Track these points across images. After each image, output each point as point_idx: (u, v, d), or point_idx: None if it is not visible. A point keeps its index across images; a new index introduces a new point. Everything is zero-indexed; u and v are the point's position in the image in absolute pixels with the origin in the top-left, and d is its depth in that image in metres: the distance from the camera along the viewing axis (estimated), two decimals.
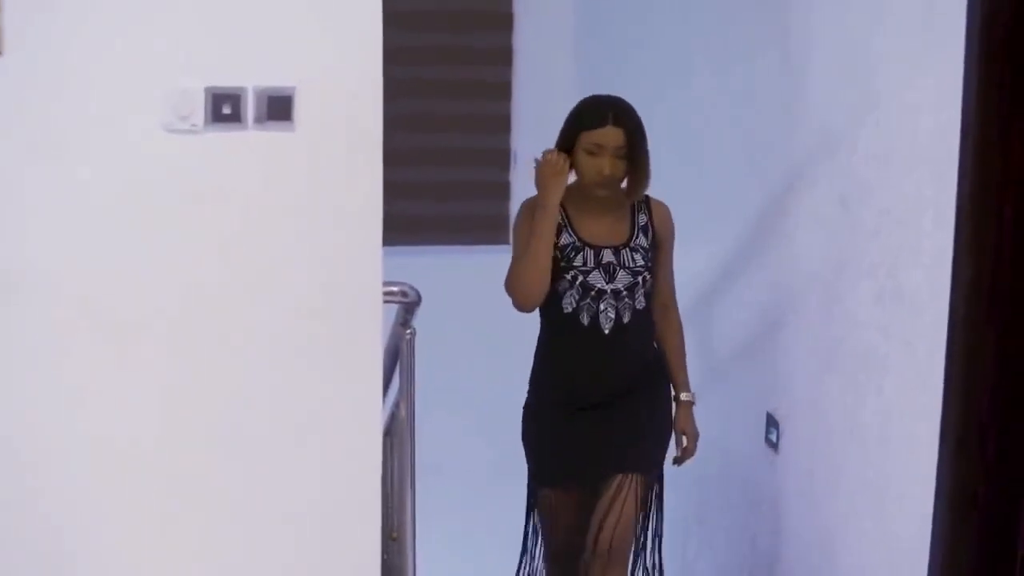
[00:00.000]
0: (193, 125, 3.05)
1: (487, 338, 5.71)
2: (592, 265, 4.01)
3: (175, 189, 3.08)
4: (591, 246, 4.02)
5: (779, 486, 4.42)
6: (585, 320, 4.01)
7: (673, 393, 4.22)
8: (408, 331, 3.59)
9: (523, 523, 4.32)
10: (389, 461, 3.57)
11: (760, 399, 4.56)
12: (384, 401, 3.36)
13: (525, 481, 4.29)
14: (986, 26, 3.10)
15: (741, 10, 4.78)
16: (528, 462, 4.22)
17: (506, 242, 5.94)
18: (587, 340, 4.03)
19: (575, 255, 4.01)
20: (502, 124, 6.17)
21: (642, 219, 4.10)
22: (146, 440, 3.15)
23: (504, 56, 6.13)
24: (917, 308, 3.49)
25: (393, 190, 3.44)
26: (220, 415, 3.17)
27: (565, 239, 4.02)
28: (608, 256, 4.02)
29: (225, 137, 3.08)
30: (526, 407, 4.23)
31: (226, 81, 3.06)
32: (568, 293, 4.01)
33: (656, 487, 4.19)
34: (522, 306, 4.05)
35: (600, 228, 4.05)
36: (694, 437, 4.22)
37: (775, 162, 4.44)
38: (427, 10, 5.98)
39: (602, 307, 4.00)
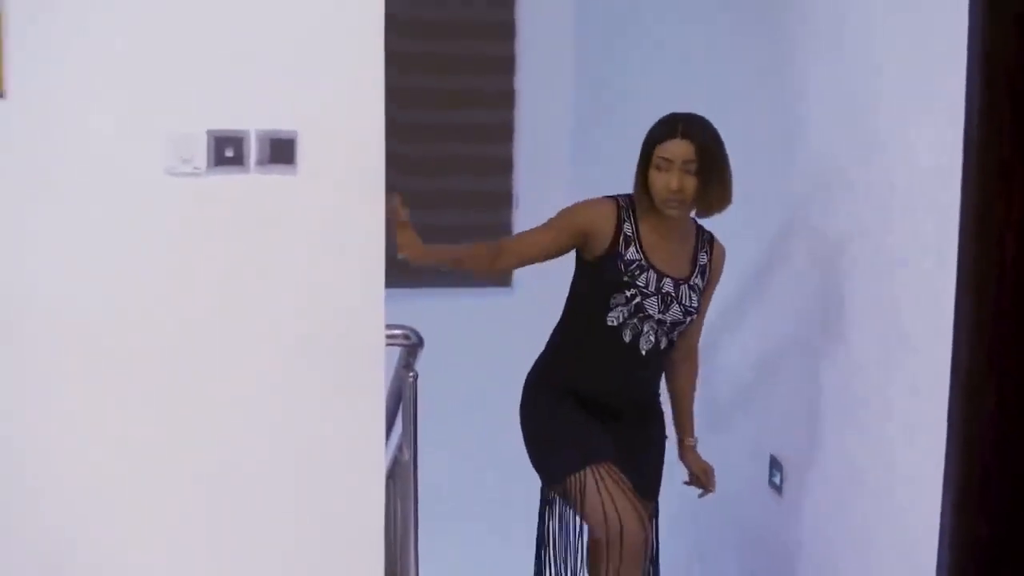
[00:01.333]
0: (195, 168, 3.06)
1: (490, 380, 5.69)
2: (652, 290, 3.91)
3: (177, 231, 3.09)
4: (656, 270, 3.93)
5: (783, 529, 4.40)
6: (627, 337, 3.93)
7: (679, 436, 4.24)
8: (411, 374, 3.59)
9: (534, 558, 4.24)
10: (392, 504, 3.56)
11: (764, 441, 4.55)
12: (387, 444, 3.36)
13: (529, 517, 4.25)
14: (987, 66, 3.11)
15: (738, 53, 4.79)
16: (562, 449, 3.98)
17: (508, 284, 5.96)
18: (624, 355, 3.96)
19: (640, 273, 3.91)
20: (504, 166, 6.18)
21: (703, 258, 4.05)
22: (143, 482, 3.15)
23: (507, 99, 6.15)
24: (919, 350, 3.48)
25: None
26: (220, 457, 3.17)
27: (632, 254, 3.91)
28: (668, 286, 3.94)
29: (227, 180, 3.08)
30: (544, 393, 4.09)
31: (228, 124, 3.07)
32: (620, 308, 3.91)
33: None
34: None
35: (666, 255, 3.96)
36: (710, 470, 4.25)
37: (773, 203, 4.45)
38: (430, 52, 6.00)
39: (645, 329, 3.93)
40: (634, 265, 3.90)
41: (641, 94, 5.56)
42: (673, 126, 3.87)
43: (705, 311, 4.14)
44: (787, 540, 4.37)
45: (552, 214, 4.01)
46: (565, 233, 3.94)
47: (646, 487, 4.07)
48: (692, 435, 4.25)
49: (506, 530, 4.96)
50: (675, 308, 3.95)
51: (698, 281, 4.01)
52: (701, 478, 4.23)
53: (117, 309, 3.09)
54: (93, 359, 3.10)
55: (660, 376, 4.16)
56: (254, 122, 3.07)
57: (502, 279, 6.02)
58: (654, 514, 4.17)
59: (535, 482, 4.14)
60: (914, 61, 3.50)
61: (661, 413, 4.21)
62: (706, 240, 4.07)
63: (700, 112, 3.92)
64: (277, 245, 3.13)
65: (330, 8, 3.08)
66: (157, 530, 3.17)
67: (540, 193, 5.95)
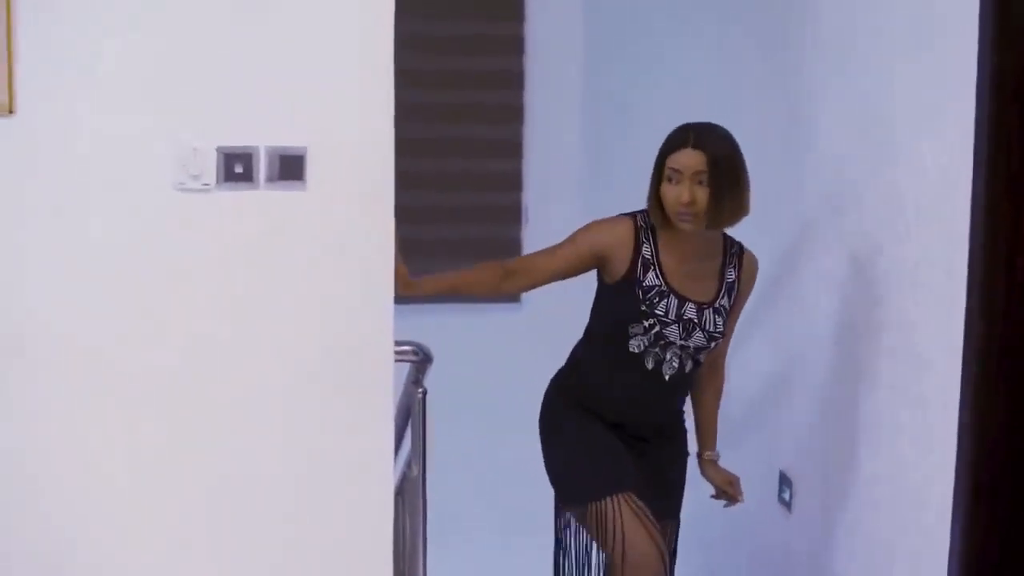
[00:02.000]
0: (205, 184, 3.06)
1: (499, 396, 5.69)
2: (673, 318, 3.77)
3: (186, 247, 3.09)
4: (676, 295, 3.78)
5: (792, 545, 4.39)
6: (649, 364, 3.81)
7: (699, 450, 4.15)
8: (420, 390, 3.58)
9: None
10: (401, 521, 3.56)
11: (773, 458, 4.54)
12: (396, 460, 3.35)
13: (539, 534, 4.23)
14: (997, 84, 3.11)
15: (748, 68, 4.79)
16: (584, 474, 3.90)
17: (517, 299, 5.95)
18: (646, 381, 3.84)
19: (659, 300, 3.76)
20: (514, 181, 6.17)
21: (731, 275, 3.89)
22: (151, 495, 3.15)
23: (515, 114, 6.15)
24: (928, 365, 3.47)
25: (405, 247, 3.44)
26: (227, 472, 3.17)
27: (651, 280, 3.77)
28: (691, 312, 3.79)
29: (236, 196, 3.08)
30: (564, 409, 3.98)
31: (238, 140, 3.07)
32: (638, 337, 3.78)
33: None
34: None
35: (689, 276, 3.81)
36: (735, 480, 4.14)
37: (783, 219, 4.44)
38: (438, 69, 6.00)
39: (668, 356, 3.81)
40: (653, 291, 3.77)
41: (651, 107, 5.56)
42: (684, 136, 3.71)
43: (734, 325, 4.02)
44: (796, 556, 4.36)
45: (563, 228, 3.91)
46: (580, 256, 3.81)
47: (669, 507, 4.02)
48: (713, 449, 4.15)
49: (515, 547, 4.96)
50: (698, 335, 3.82)
51: (724, 302, 3.86)
52: (728, 490, 4.12)
53: (125, 324, 3.09)
54: (100, 373, 3.09)
55: (685, 396, 4.06)
56: (263, 138, 3.07)
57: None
58: (675, 532, 4.08)
59: (545, 499, 4.13)
60: (924, 75, 3.50)
61: (685, 431, 4.11)
62: (735, 253, 3.90)
63: None
64: (286, 261, 3.12)
65: (340, 24, 3.08)
66: (162, 545, 3.17)
67: (550, 208, 5.96)
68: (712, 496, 4.19)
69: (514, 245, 6.06)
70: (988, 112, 3.15)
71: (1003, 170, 3.15)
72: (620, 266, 3.79)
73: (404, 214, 3.25)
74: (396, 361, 3.24)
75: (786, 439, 4.46)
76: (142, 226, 3.07)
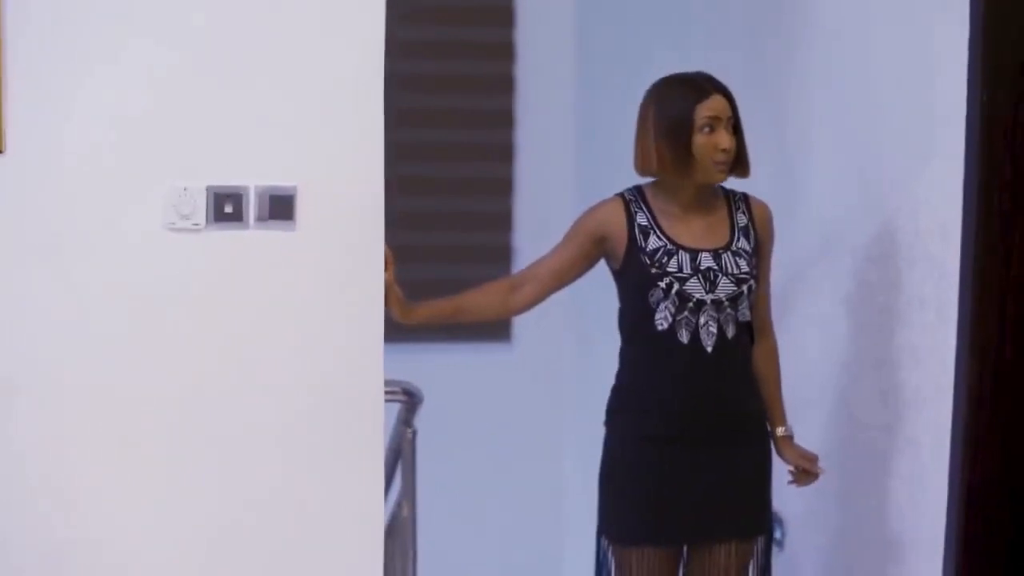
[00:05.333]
0: (195, 224, 3.06)
1: (491, 436, 5.68)
2: (689, 271, 3.47)
3: (176, 287, 3.08)
4: (686, 249, 3.49)
5: None
6: (684, 338, 3.47)
7: (769, 429, 3.71)
8: (410, 430, 3.58)
9: None
10: (391, 562, 3.54)
11: None
12: (386, 501, 3.34)
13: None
14: (987, 126, 3.12)
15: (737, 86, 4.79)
16: (609, 517, 3.61)
17: (507, 339, 5.94)
18: (688, 362, 3.48)
19: (667, 259, 3.48)
20: (503, 221, 6.18)
21: (741, 219, 3.59)
22: (145, 542, 3.13)
23: (506, 152, 6.16)
24: (920, 406, 3.47)
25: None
26: (219, 515, 3.15)
27: (654, 243, 3.50)
28: (707, 261, 3.49)
29: (226, 236, 3.08)
30: (611, 447, 3.63)
31: (228, 180, 3.07)
32: (663, 305, 3.47)
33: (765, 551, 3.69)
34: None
35: (694, 230, 3.53)
36: (814, 457, 3.70)
37: (775, 261, 4.43)
38: (430, 107, 6.02)
39: (702, 320, 3.48)
40: (659, 252, 3.51)
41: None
42: (704, 83, 3.49)
43: (766, 281, 3.69)
44: None
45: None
46: (579, 244, 3.60)
47: (745, 522, 3.64)
48: (784, 423, 3.71)
49: None
50: (723, 281, 3.51)
51: (743, 245, 3.57)
52: (804, 465, 3.69)
53: (114, 364, 3.08)
54: (90, 415, 3.08)
55: (748, 369, 3.64)
56: (253, 178, 3.08)
57: (500, 334, 5.98)
58: (764, 551, 3.67)
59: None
60: (914, 114, 3.51)
61: (760, 431, 3.68)
62: (739, 199, 3.62)
63: None
64: (276, 301, 3.12)
65: (330, 65, 3.09)
66: None
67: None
68: (789, 482, 3.78)
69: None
70: (978, 151, 3.16)
71: (994, 209, 3.16)
72: (619, 241, 3.57)
73: (394, 253, 3.25)
74: (386, 401, 3.23)
75: (778, 479, 4.45)
76: (132, 265, 3.07)
